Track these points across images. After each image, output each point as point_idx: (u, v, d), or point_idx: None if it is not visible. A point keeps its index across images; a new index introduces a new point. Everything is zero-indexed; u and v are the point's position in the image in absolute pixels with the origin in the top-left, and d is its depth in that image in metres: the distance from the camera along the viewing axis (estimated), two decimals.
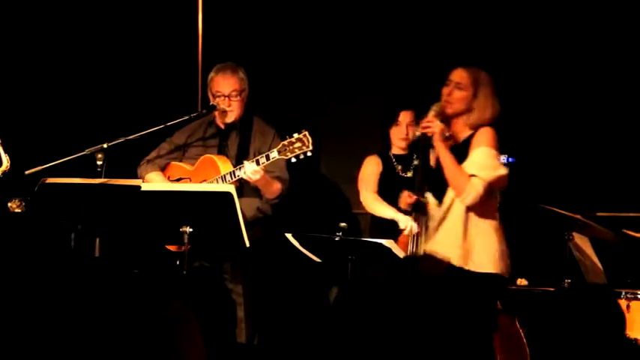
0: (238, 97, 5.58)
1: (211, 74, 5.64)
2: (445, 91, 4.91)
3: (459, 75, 4.90)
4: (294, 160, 5.19)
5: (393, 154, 5.84)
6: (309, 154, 5.19)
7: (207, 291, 5.41)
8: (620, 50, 6.21)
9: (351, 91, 6.50)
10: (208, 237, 5.03)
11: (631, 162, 6.25)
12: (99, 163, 5.13)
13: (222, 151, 5.61)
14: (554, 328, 4.42)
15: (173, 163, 5.69)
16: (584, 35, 6.26)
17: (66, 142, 5.67)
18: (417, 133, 4.98)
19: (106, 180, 5.04)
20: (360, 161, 5.96)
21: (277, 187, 5.50)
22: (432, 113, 4.91)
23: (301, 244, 5.32)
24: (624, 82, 6.25)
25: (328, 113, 6.44)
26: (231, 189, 4.93)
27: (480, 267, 4.78)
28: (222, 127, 5.64)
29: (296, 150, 5.18)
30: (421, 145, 5.70)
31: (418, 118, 5.73)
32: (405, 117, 5.78)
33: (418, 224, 5.54)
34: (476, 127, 4.86)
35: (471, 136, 4.87)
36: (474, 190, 4.74)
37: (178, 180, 5.54)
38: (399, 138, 5.79)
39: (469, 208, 4.80)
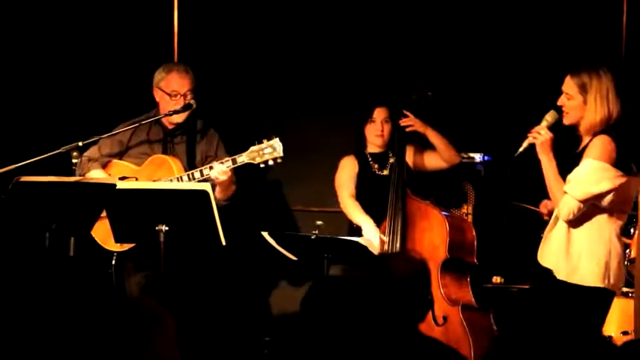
0: (190, 96, 5.54)
1: (162, 73, 5.55)
2: (559, 102, 4.69)
3: (566, 84, 4.68)
4: (262, 166, 5.18)
5: (369, 153, 5.84)
6: (279, 160, 5.19)
7: (180, 292, 5.39)
8: (595, 49, 6.24)
9: (320, 92, 6.50)
10: (184, 235, 5.02)
11: None
12: (74, 161, 5.11)
13: (168, 150, 5.56)
14: (529, 324, 4.43)
15: (115, 161, 5.59)
16: (559, 35, 6.29)
17: (41, 140, 5.65)
18: (525, 144, 4.72)
19: (81, 178, 5.03)
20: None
21: (233, 188, 5.47)
22: (544, 123, 4.69)
23: (277, 243, 5.32)
24: None
25: (293, 112, 6.43)
26: (207, 187, 4.92)
27: (584, 280, 4.54)
28: (169, 127, 5.60)
29: (266, 156, 5.17)
30: (397, 143, 5.72)
31: (392, 114, 5.76)
32: (379, 113, 5.77)
33: (394, 227, 5.55)
34: (594, 133, 4.59)
35: (587, 145, 4.61)
36: (566, 207, 4.52)
37: (123, 179, 5.43)
38: (375, 135, 5.78)
39: (569, 222, 4.57)
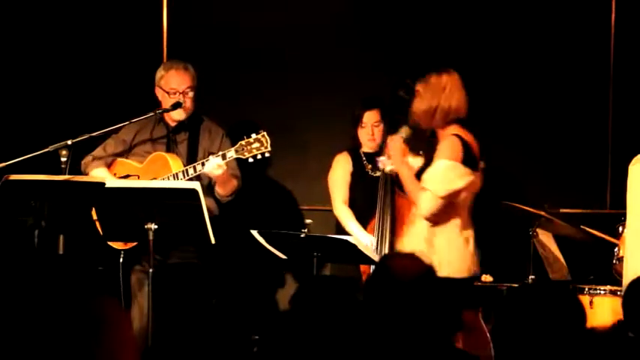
0: (191, 94, 5.55)
1: (161, 72, 5.57)
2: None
3: (417, 86, 4.99)
4: (251, 160, 5.19)
5: (364, 152, 5.83)
6: (267, 154, 5.19)
7: (171, 290, 5.39)
8: (584, 48, 6.27)
9: (308, 90, 6.50)
10: (174, 234, 5.02)
11: (593, 159, 6.31)
12: (63, 159, 5.11)
13: (171, 149, 5.57)
14: (519, 323, 4.45)
15: (119, 159, 5.60)
16: (547, 36, 6.31)
17: (29, 138, 5.63)
18: (383, 159, 5.09)
19: (70, 177, 5.02)
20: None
21: (234, 183, 5.48)
22: (396, 138, 5.02)
23: (266, 241, 5.32)
24: (586, 81, 6.31)
25: (283, 111, 6.43)
26: (196, 186, 4.92)
27: (455, 273, 4.84)
28: (172, 125, 5.61)
29: (254, 150, 5.17)
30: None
31: (384, 115, 5.75)
32: (369, 117, 5.75)
33: (382, 224, 5.57)
34: (435, 126, 4.93)
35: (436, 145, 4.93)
36: (428, 204, 4.82)
37: (126, 177, 5.47)
38: (367, 139, 5.77)
39: (428, 219, 4.87)
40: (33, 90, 6.43)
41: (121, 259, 5.40)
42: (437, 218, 4.88)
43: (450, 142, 4.85)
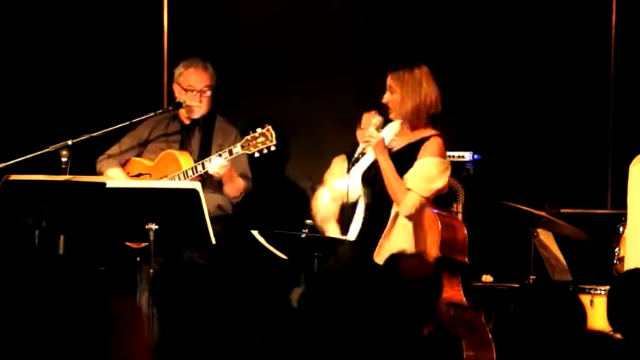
0: (209, 93, 5.56)
1: (180, 69, 5.58)
2: (384, 100, 5.00)
3: (388, 81, 4.98)
4: (257, 155, 5.17)
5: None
6: (272, 148, 5.17)
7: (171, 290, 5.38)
8: (584, 48, 6.27)
9: (319, 89, 6.49)
10: (174, 234, 5.02)
11: (593, 159, 6.31)
12: (63, 159, 5.11)
13: (184, 147, 5.58)
14: (519, 323, 4.46)
15: (133, 158, 5.61)
16: (547, 35, 6.31)
17: (30, 138, 5.63)
18: (359, 149, 5.03)
19: (70, 177, 5.02)
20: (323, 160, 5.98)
21: (241, 184, 5.46)
22: (372, 127, 5.00)
23: (267, 241, 5.31)
24: (588, 80, 6.31)
25: (295, 111, 6.42)
26: (197, 186, 4.92)
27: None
28: (186, 122, 5.62)
29: (259, 145, 5.16)
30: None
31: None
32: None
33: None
34: (415, 123, 4.94)
35: (417, 144, 4.93)
36: (411, 203, 4.83)
37: (138, 175, 5.48)
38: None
39: (410, 216, 4.87)
40: (33, 90, 6.43)
41: (138, 259, 5.39)
42: (417, 216, 4.90)
43: (434, 142, 4.91)
